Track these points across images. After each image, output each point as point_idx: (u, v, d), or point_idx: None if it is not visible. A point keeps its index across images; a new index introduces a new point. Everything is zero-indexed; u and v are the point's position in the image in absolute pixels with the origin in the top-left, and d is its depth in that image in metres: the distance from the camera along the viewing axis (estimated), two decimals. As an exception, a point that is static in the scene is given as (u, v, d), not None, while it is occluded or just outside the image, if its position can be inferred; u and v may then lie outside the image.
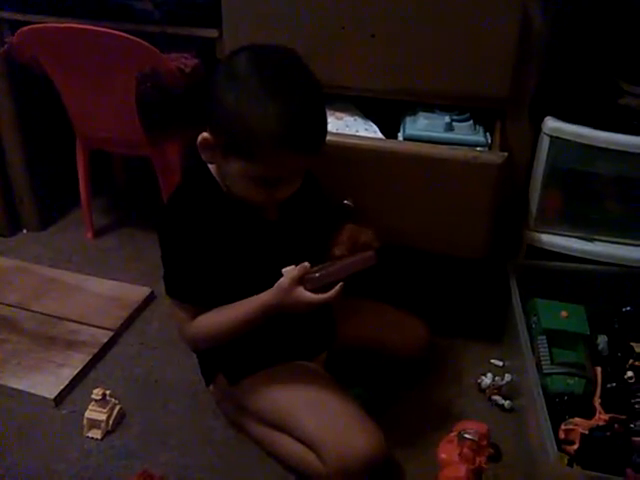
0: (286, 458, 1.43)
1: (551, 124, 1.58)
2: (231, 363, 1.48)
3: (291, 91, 1.19)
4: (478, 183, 1.48)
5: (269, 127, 1.17)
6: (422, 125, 1.57)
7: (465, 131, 1.56)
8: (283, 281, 1.26)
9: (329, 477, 1.32)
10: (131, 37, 1.71)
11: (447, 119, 1.55)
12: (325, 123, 1.27)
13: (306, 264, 1.25)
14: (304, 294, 1.24)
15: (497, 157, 1.47)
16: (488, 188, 1.49)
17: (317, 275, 1.24)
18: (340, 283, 1.23)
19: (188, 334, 1.39)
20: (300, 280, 1.24)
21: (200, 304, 1.35)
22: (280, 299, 1.27)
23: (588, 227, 1.67)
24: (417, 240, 1.61)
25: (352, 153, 1.50)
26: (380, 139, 1.58)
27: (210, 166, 1.33)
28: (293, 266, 1.26)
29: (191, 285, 1.34)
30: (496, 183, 1.48)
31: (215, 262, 1.32)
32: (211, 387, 1.56)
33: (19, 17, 1.88)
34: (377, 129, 1.62)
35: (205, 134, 1.25)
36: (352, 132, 1.59)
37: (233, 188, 1.29)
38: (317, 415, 1.36)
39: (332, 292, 1.23)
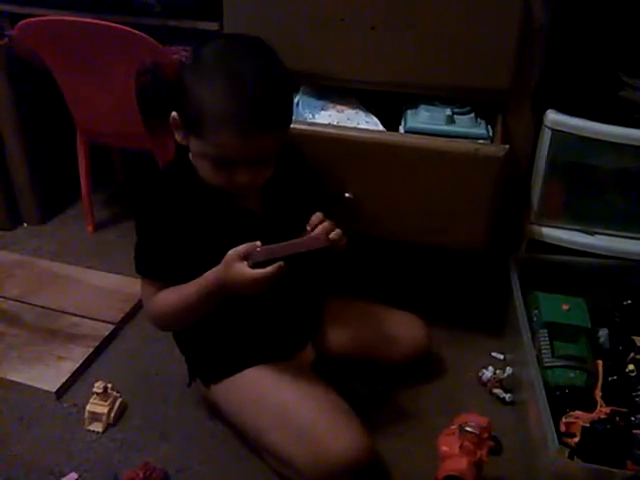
0: (271, 466, 1.41)
1: (552, 117, 1.58)
2: (205, 364, 1.48)
3: (244, 73, 1.20)
4: (480, 176, 1.48)
5: (216, 104, 1.19)
6: (423, 118, 1.57)
7: (466, 124, 1.56)
8: (228, 255, 1.24)
9: None
10: (132, 30, 1.71)
11: (448, 112, 1.55)
12: (281, 109, 1.27)
13: (257, 242, 1.22)
14: (244, 269, 1.21)
15: (499, 150, 1.47)
16: (489, 181, 1.49)
17: (258, 250, 1.21)
18: (280, 262, 1.20)
19: (149, 310, 1.40)
20: (245, 257, 1.22)
21: (168, 283, 1.36)
22: (223, 273, 1.25)
23: (589, 220, 1.67)
24: (417, 233, 1.61)
25: (353, 146, 1.50)
26: (381, 132, 1.58)
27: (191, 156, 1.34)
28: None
29: (158, 264, 1.35)
30: (498, 176, 1.48)
31: (188, 246, 1.32)
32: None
33: (19, 10, 1.88)
34: (378, 122, 1.61)
35: (174, 113, 1.28)
36: (353, 125, 1.59)
37: (199, 170, 1.31)
38: (284, 429, 1.33)
39: (271, 267, 1.19)
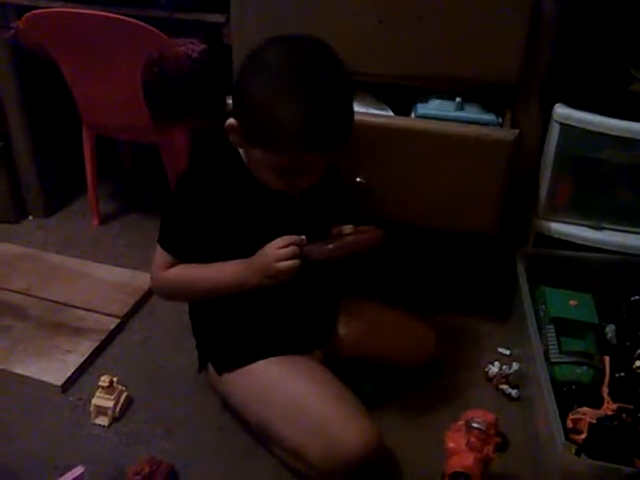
0: (280, 459, 1.42)
1: (561, 111, 1.57)
2: (221, 352, 1.48)
3: (318, 89, 1.19)
4: (490, 160, 1.49)
5: (292, 124, 1.17)
6: (434, 105, 1.57)
7: (476, 110, 1.57)
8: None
9: (321, 478, 1.33)
10: (138, 22, 1.71)
11: (458, 99, 1.55)
12: (350, 120, 1.26)
13: (302, 237, 1.27)
14: (272, 242, 1.26)
15: (509, 134, 1.48)
16: (500, 165, 1.49)
17: (331, 246, 1.25)
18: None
19: (157, 277, 1.40)
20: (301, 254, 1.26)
21: (184, 261, 1.37)
22: (254, 257, 1.29)
23: (597, 215, 1.66)
24: (429, 217, 1.61)
25: (365, 131, 1.49)
26: (392, 116, 1.59)
27: None
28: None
29: (183, 242, 1.36)
30: (508, 160, 1.49)
31: (220, 227, 1.33)
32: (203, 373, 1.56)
33: (25, 2, 1.87)
34: (388, 108, 1.61)
35: (232, 120, 1.27)
36: (364, 111, 1.58)
37: (256, 173, 1.31)
38: (295, 421, 1.33)
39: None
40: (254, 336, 1.45)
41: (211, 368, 1.49)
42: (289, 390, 1.37)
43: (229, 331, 1.47)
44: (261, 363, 1.42)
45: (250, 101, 1.22)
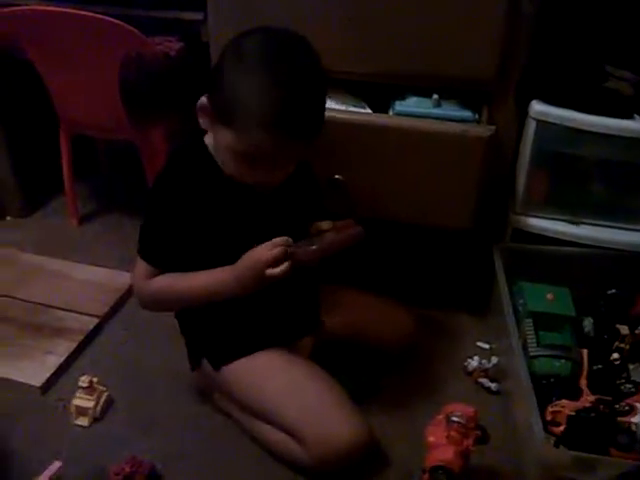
0: (270, 447, 1.43)
1: (537, 107, 1.58)
2: (215, 348, 1.48)
3: (289, 76, 1.20)
4: (467, 156, 1.50)
5: (258, 104, 1.18)
6: (411, 102, 1.58)
7: (453, 107, 1.58)
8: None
9: (313, 465, 1.34)
10: (115, 21, 1.69)
11: (435, 96, 1.56)
12: (319, 114, 1.27)
13: (289, 239, 1.27)
14: (260, 247, 1.26)
15: (486, 130, 1.50)
16: (477, 161, 1.51)
17: (315, 247, 1.26)
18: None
19: (141, 288, 1.40)
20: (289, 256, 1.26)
21: (166, 270, 1.37)
22: (243, 262, 1.29)
23: (574, 210, 1.68)
24: (407, 213, 1.63)
25: (343, 128, 1.51)
26: (370, 114, 1.60)
27: (207, 141, 1.35)
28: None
29: (162, 252, 1.35)
30: (485, 156, 1.50)
31: (196, 231, 1.33)
32: (195, 373, 1.56)
33: (-1, 0, 1.86)
34: (366, 105, 1.62)
35: (203, 99, 1.28)
36: (342, 108, 1.59)
37: (223, 161, 1.31)
38: (297, 405, 1.36)
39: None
40: (246, 328, 1.45)
41: (206, 364, 1.49)
42: (289, 372, 1.41)
43: (221, 326, 1.46)
44: (259, 354, 1.44)
45: (221, 79, 1.22)
